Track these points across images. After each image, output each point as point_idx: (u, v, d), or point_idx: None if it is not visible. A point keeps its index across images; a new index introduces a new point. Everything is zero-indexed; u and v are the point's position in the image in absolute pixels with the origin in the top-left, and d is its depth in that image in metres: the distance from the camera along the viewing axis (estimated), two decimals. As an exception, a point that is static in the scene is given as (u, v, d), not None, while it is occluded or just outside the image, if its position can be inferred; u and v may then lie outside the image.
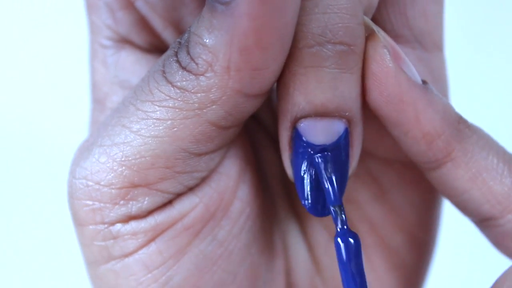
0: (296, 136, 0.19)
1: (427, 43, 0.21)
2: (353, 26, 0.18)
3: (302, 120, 0.19)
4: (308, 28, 0.18)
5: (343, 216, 0.19)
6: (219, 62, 0.17)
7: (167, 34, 0.22)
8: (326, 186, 0.19)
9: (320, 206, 0.20)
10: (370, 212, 0.23)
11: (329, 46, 0.18)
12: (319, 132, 0.19)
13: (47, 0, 0.49)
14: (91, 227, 0.20)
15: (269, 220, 0.23)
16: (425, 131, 0.19)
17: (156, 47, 0.22)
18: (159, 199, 0.19)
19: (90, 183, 0.19)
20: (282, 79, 0.19)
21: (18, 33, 0.50)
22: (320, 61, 0.18)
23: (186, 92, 0.18)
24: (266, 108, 0.24)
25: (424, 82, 0.19)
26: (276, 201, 0.24)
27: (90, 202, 0.20)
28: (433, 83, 0.22)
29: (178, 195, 0.20)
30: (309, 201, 0.20)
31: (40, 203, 0.50)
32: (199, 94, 0.18)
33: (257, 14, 0.16)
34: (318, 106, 0.18)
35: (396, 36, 0.21)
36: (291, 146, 0.19)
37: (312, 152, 0.19)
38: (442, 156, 0.19)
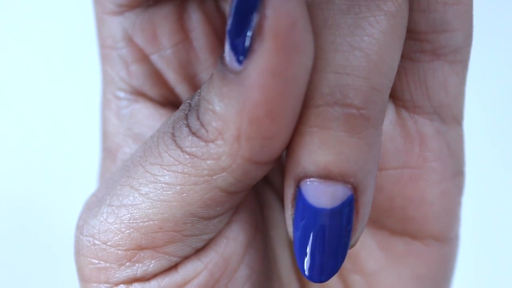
0: (298, 195, 0.18)
1: (446, 116, 0.21)
2: (365, 90, 0.17)
3: (307, 179, 0.18)
4: (317, 87, 0.17)
5: None
6: (229, 131, 0.17)
7: (180, 89, 0.22)
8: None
9: (317, 271, 0.19)
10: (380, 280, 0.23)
11: (337, 108, 0.17)
12: (321, 195, 0.18)
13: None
14: (94, 285, 0.20)
15: (271, 284, 0.23)
16: None
17: (169, 101, 0.22)
18: (165, 262, 0.19)
19: (97, 242, 0.19)
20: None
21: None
22: (326, 122, 0.17)
23: (196, 158, 0.18)
24: (275, 167, 0.23)
25: None
26: (280, 264, 0.23)
27: (96, 261, 0.19)
28: (449, 158, 0.21)
29: (184, 259, 0.20)
30: (305, 264, 0.19)
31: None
32: (209, 161, 0.18)
33: (268, 86, 0.16)
34: (321, 168, 0.17)
35: (414, 107, 0.20)
36: (294, 204, 0.19)
37: (312, 214, 0.18)
38: None
